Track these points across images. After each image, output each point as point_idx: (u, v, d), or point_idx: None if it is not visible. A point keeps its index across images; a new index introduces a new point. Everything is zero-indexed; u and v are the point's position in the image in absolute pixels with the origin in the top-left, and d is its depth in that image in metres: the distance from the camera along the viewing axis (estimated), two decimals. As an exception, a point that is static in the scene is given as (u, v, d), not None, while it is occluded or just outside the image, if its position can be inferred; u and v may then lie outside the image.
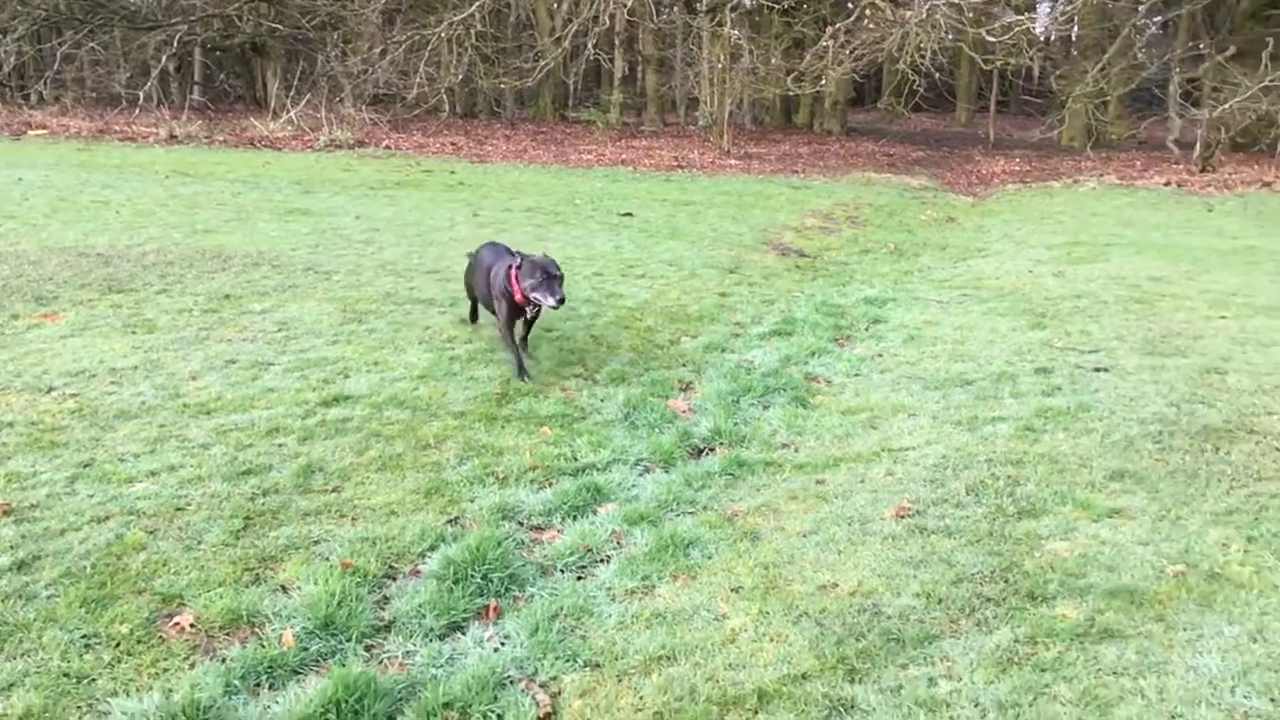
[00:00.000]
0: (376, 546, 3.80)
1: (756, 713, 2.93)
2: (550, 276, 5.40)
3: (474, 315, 6.67)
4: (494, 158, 18.63)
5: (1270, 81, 15.71)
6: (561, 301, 5.40)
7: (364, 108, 21.54)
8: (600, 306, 7.35)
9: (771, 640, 3.30)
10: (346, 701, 2.86)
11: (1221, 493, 4.25)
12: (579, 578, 3.75)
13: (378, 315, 6.77)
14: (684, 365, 6.30)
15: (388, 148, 19.21)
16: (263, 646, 3.16)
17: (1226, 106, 16.14)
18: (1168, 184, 15.78)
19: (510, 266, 5.62)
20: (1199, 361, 6.00)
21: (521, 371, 5.69)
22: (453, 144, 20.46)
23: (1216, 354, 6.14)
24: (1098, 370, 5.92)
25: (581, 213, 11.92)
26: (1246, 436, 4.85)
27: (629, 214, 11.88)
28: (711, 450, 5.04)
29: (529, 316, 5.82)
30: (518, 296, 5.55)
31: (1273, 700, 2.92)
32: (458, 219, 10.97)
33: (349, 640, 3.21)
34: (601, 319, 7.05)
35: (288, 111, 21.30)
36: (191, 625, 3.23)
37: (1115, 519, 4.06)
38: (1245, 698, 2.94)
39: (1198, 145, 17.79)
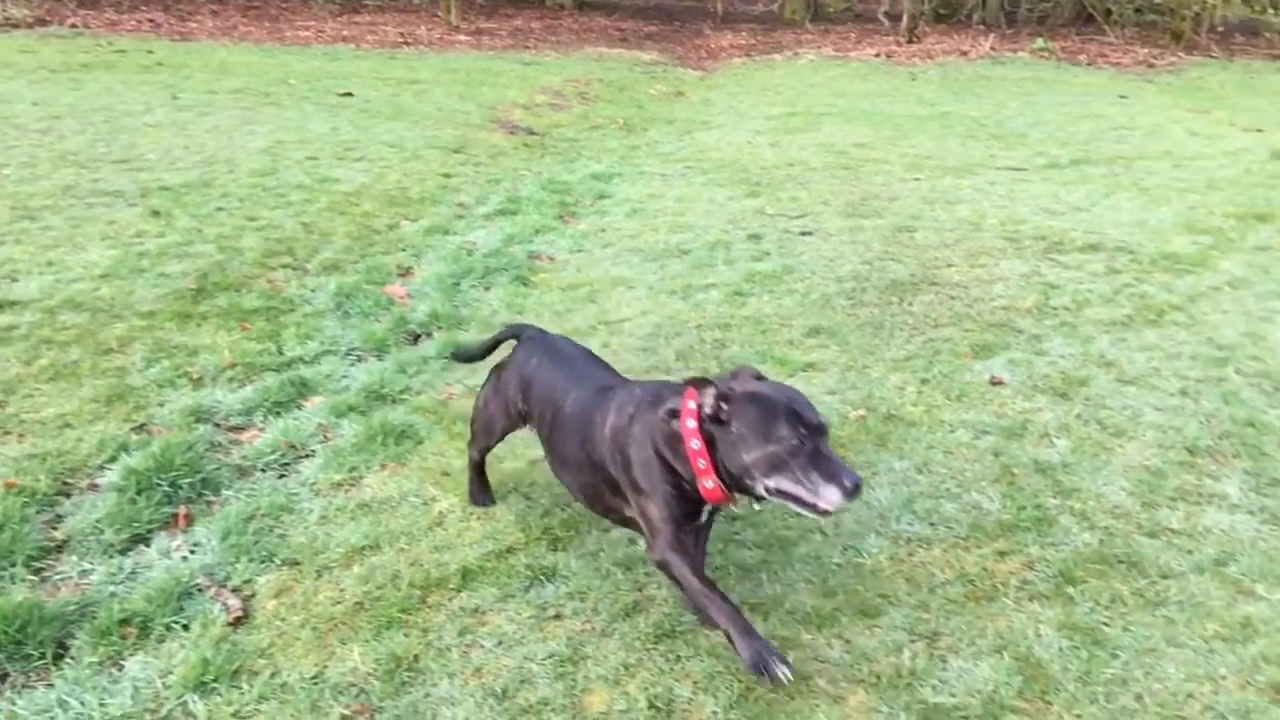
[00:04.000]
0: (47, 462, 3.47)
1: (459, 590, 2.93)
2: (811, 430, 2.38)
3: (482, 454, 3.40)
4: (199, 35, 17.02)
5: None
6: (855, 492, 2.36)
7: (41, -21, 19.00)
8: (313, 192, 6.94)
9: (479, 519, 3.29)
10: (6, 633, 2.62)
11: (902, 341, 4.60)
12: (280, 476, 3.58)
13: (54, 211, 6.09)
14: (403, 250, 6.07)
15: (74, 26, 17.11)
16: (-94, 585, 2.83)
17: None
18: (877, 55, 16.59)
19: (668, 412, 2.55)
20: (893, 221, 6.40)
21: (770, 663, 2.43)
22: (150, 21, 18.49)
23: (908, 213, 6.57)
24: (804, 234, 6.20)
25: (296, 94, 11.14)
26: (928, 288, 5.25)
27: (349, 94, 11.23)
28: (429, 335, 4.91)
29: (705, 519, 2.70)
30: (709, 485, 2.48)
31: (930, 524, 3.22)
32: (154, 103, 9.98)
33: (12, 565, 2.93)
34: (314, 205, 6.66)
35: (-55, -17, 18.47)
36: None
37: (809, 372, 4.30)
38: (908, 525, 3.22)
39: (904, 17, 18.76)
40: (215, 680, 2.53)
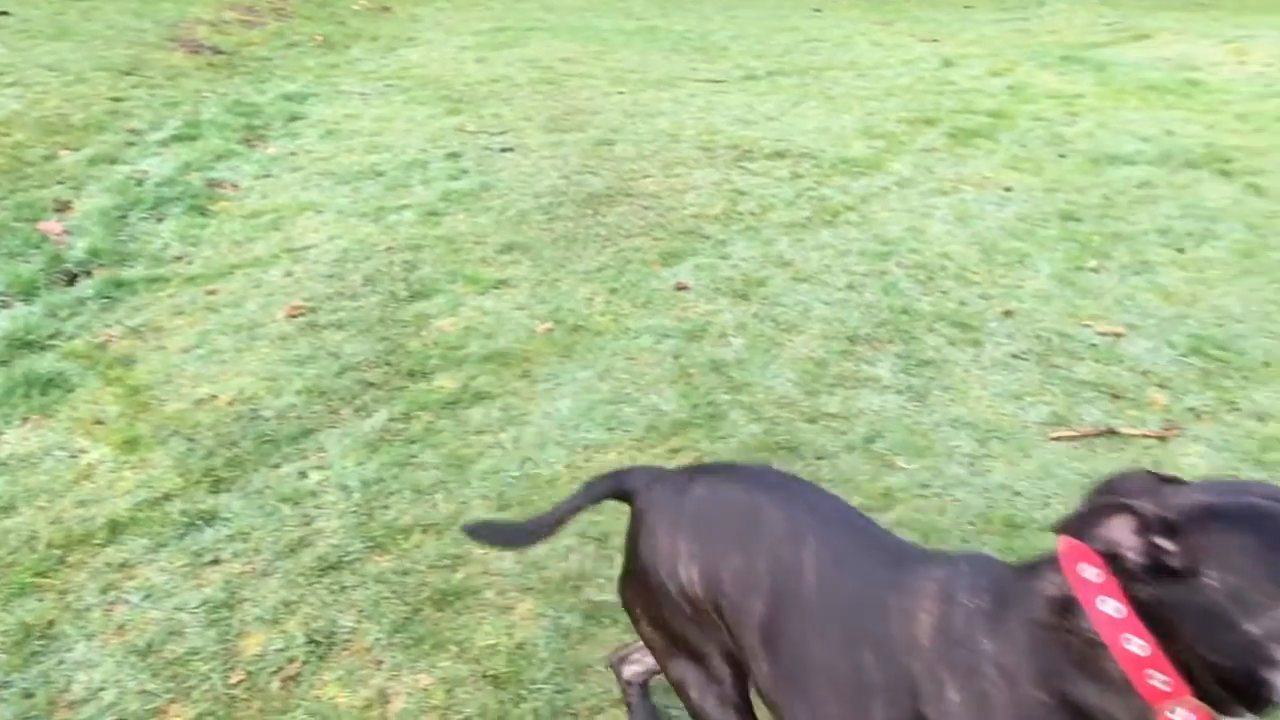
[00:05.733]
0: None
1: (106, 545, 2.70)
2: None
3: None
4: None
5: None
6: None
7: None
8: (-52, 122, 6.10)
9: (133, 468, 3.04)
10: None
11: (594, 252, 4.62)
12: (-107, 443, 3.17)
13: None
14: (61, 182, 5.47)
15: None
16: None
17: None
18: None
19: (1053, 607, 1.34)
20: (594, 135, 6.40)
21: None
22: None
23: (610, 127, 6.59)
24: (504, 150, 6.09)
25: (-65, 10, 9.74)
26: (624, 199, 5.30)
27: (4, 13, 9.94)
28: (88, 274, 4.46)
29: None
30: (1159, 682, 1.25)
31: (609, 429, 3.28)
32: None
33: None
34: (-51, 136, 5.86)
35: None
36: None
37: (501, 289, 4.25)
38: (587, 432, 3.26)
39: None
40: None
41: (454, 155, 6.00)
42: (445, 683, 2.30)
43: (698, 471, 1.91)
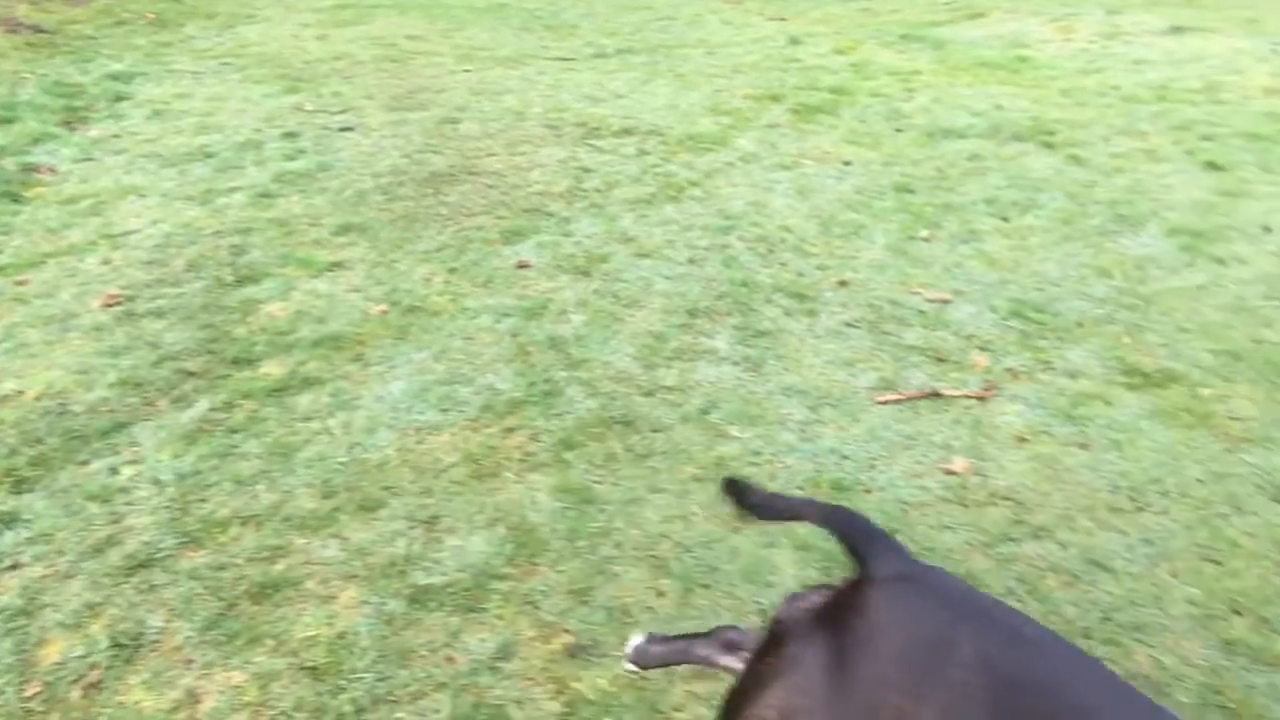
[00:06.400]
0: None
1: (-113, 557, 2.51)
2: None
3: None
4: None
5: None
6: None
7: None
8: None
9: (-78, 472, 2.83)
10: None
11: (434, 232, 4.53)
12: None
13: None
14: None
15: None
16: None
17: None
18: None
19: None
20: (439, 113, 6.27)
21: None
22: None
23: (455, 105, 6.46)
24: (344, 130, 5.91)
25: None
26: (467, 178, 5.21)
27: None
28: (-121, 267, 4.14)
29: None
30: None
31: (443, 410, 3.21)
32: None
33: None
34: None
35: None
36: None
37: (335, 272, 4.12)
38: (420, 414, 3.19)
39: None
40: None
41: (291, 135, 5.78)
42: (260, 678, 2.22)
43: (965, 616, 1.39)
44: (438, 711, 2.15)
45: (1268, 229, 4.74)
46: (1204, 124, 6.24)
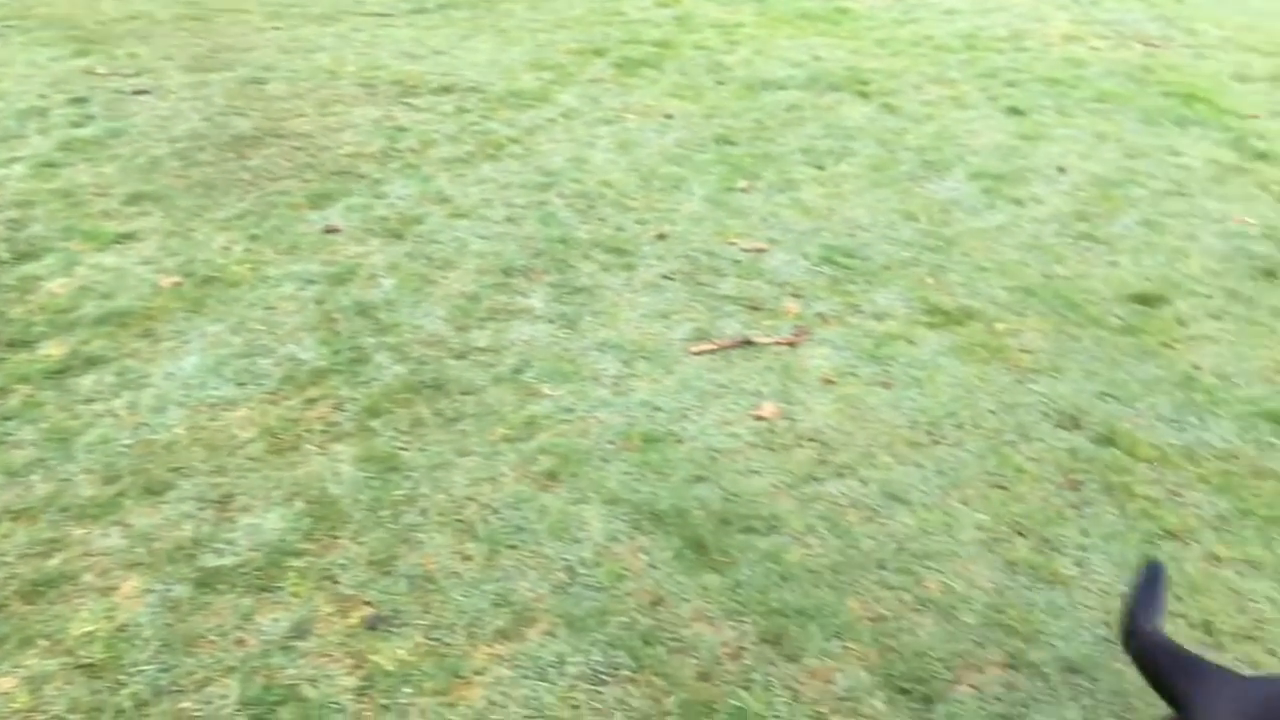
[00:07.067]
0: None
1: None
2: None
3: None
4: None
5: None
6: None
7: None
8: None
9: None
10: None
11: (236, 199, 4.30)
12: None
13: None
14: None
15: None
16: None
17: None
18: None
19: None
20: (244, 73, 5.95)
21: None
22: None
23: (262, 64, 6.15)
24: (139, 93, 5.54)
25: None
26: (273, 141, 4.96)
27: None
28: None
29: None
30: None
31: (239, 384, 3.07)
32: None
33: None
34: None
35: None
36: None
37: (124, 244, 3.87)
38: (215, 389, 3.03)
39: None
40: None
41: (79, 100, 5.39)
42: (30, 682, 2.07)
43: None
44: (225, 697, 2.06)
45: (1062, 170, 4.98)
46: (1009, 71, 6.50)
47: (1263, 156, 5.16)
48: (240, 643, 2.19)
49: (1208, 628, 2.35)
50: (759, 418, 3.05)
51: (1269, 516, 2.69)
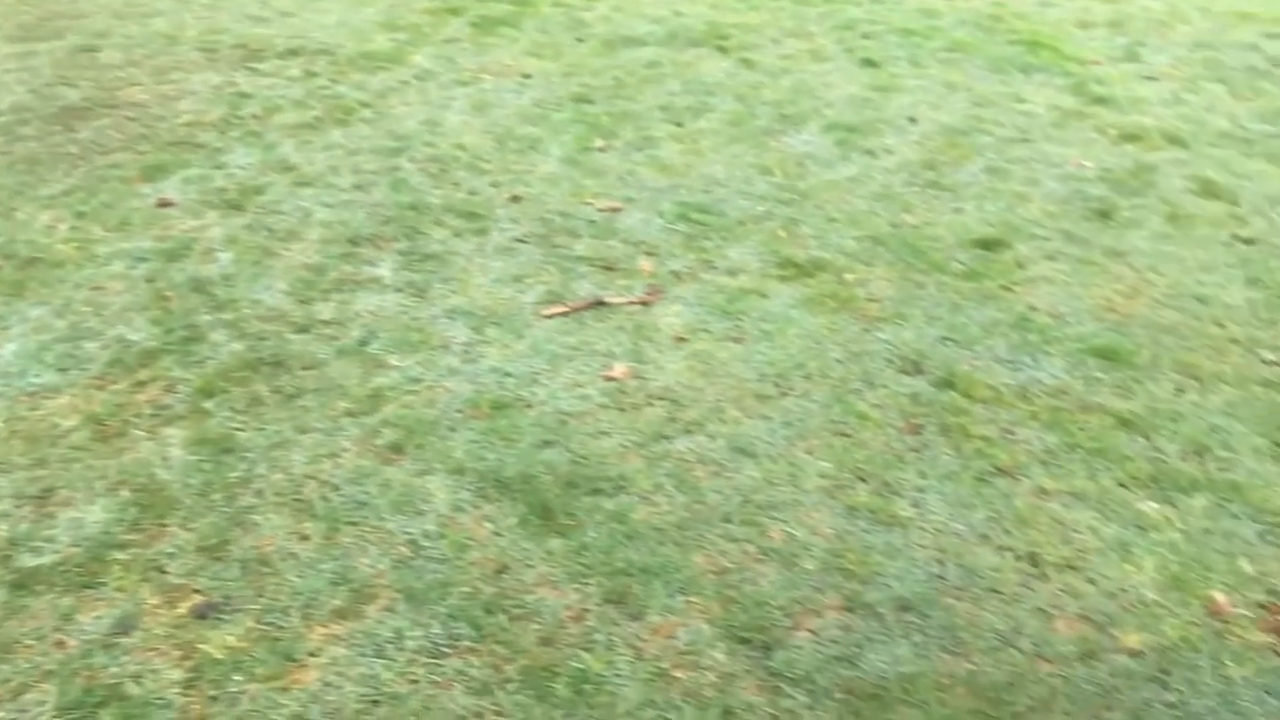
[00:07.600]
0: None
1: None
2: None
3: None
4: None
5: None
6: None
7: None
8: None
9: None
10: None
11: (62, 174, 4.07)
12: None
13: None
14: None
15: None
16: None
17: None
18: None
19: None
20: (74, 41, 5.62)
21: None
22: None
23: (94, 31, 5.82)
24: (-45, 64, 5.18)
25: None
26: (104, 112, 4.71)
27: None
28: None
29: None
30: None
31: (62, 370, 2.92)
32: None
33: None
34: None
35: None
36: None
37: (-64, 227, 3.63)
38: (35, 376, 2.88)
39: None
40: None
41: (-113, 73, 5.02)
42: None
43: None
44: (43, 704, 1.97)
45: (913, 120, 5.07)
46: (865, 23, 6.57)
47: (1101, 101, 5.35)
48: (60, 644, 2.09)
49: (1033, 559, 2.44)
50: (610, 379, 3.04)
51: (1094, 449, 2.81)
